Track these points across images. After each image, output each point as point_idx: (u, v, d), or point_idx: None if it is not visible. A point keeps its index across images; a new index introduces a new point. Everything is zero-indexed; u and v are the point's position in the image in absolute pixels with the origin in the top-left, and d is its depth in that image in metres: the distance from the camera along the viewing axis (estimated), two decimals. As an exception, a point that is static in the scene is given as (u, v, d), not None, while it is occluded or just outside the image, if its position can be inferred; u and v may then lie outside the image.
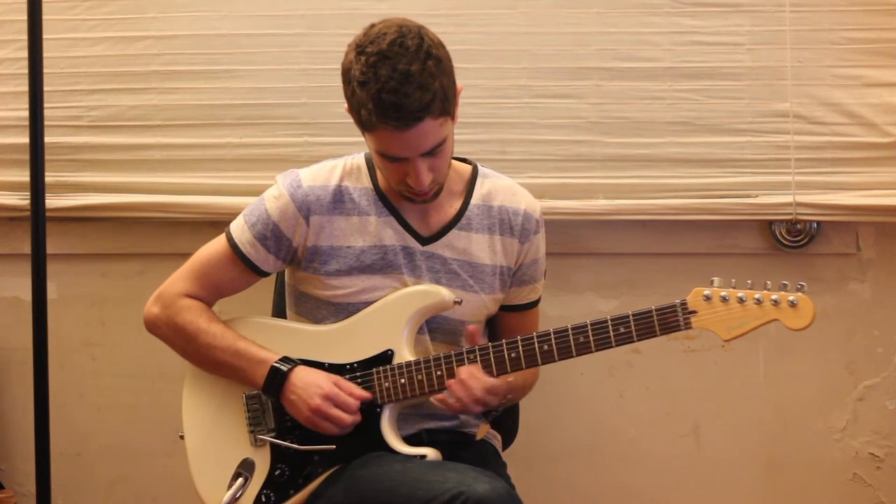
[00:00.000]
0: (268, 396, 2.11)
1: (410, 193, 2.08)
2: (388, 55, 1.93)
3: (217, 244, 2.19)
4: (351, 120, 2.08)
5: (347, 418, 2.05)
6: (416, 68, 1.93)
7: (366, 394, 2.07)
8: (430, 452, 2.03)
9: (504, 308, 2.25)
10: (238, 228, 2.17)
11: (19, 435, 2.85)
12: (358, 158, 2.20)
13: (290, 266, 2.21)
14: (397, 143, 1.98)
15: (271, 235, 2.14)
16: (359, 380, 2.09)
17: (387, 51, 1.93)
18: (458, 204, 2.19)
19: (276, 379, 2.07)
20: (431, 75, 1.94)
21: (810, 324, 1.93)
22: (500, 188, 2.23)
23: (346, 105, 2.06)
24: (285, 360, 2.09)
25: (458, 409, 2.05)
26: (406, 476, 1.94)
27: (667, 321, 1.98)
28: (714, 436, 2.79)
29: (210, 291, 2.19)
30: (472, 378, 2.03)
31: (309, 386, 2.06)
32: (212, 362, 2.14)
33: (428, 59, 1.94)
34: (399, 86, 1.92)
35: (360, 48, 1.97)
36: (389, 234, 2.14)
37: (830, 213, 2.64)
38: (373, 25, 2.00)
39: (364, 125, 2.00)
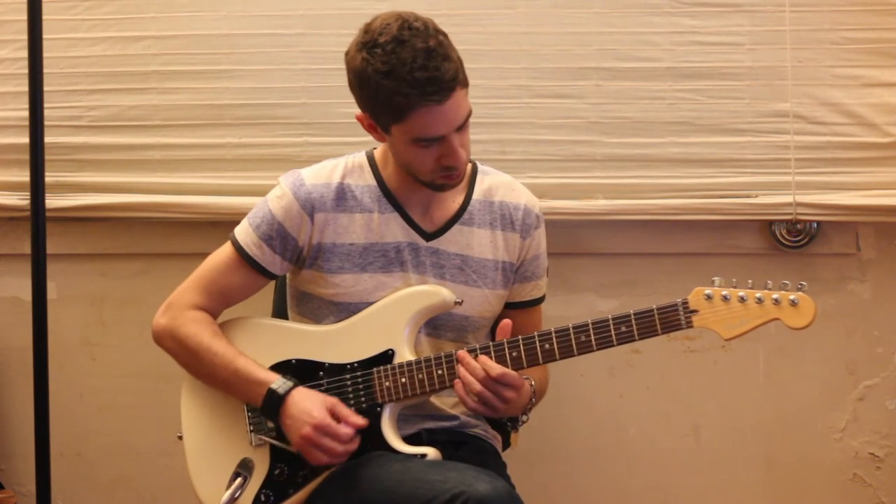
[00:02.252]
0: (266, 418, 2.10)
1: (444, 178, 2.08)
2: (402, 39, 1.95)
3: (223, 251, 2.19)
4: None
5: (339, 448, 2.01)
6: (434, 43, 1.96)
7: (362, 422, 2.04)
8: (431, 452, 2.03)
9: (507, 306, 2.25)
10: (243, 232, 2.16)
11: (19, 435, 2.85)
12: (359, 157, 2.20)
13: (294, 266, 2.20)
14: (436, 120, 1.98)
15: (277, 235, 2.14)
16: (359, 379, 2.09)
17: (399, 36, 1.95)
18: (460, 199, 2.20)
19: (274, 402, 2.05)
20: (448, 47, 1.98)
21: (811, 323, 1.93)
22: (500, 184, 2.24)
23: (359, 112, 2.06)
24: (284, 380, 2.06)
25: (471, 404, 2.01)
26: (406, 475, 1.94)
27: (668, 320, 1.98)
28: (714, 436, 2.79)
29: (218, 300, 2.18)
30: (474, 366, 2.01)
31: (301, 413, 2.02)
32: (212, 379, 2.14)
33: (438, 34, 1.98)
34: (427, 61, 1.94)
35: (368, 45, 1.97)
36: (393, 231, 2.15)
37: (830, 213, 2.64)
38: (369, 24, 2.01)
39: (397, 115, 1.98)
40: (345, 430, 2.02)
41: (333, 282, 2.14)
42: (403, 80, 1.94)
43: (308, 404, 2.04)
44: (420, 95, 1.94)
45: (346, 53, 2.04)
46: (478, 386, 1.99)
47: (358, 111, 2.09)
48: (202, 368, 2.13)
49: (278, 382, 2.06)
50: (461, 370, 2.02)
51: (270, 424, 2.11)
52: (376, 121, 2.05)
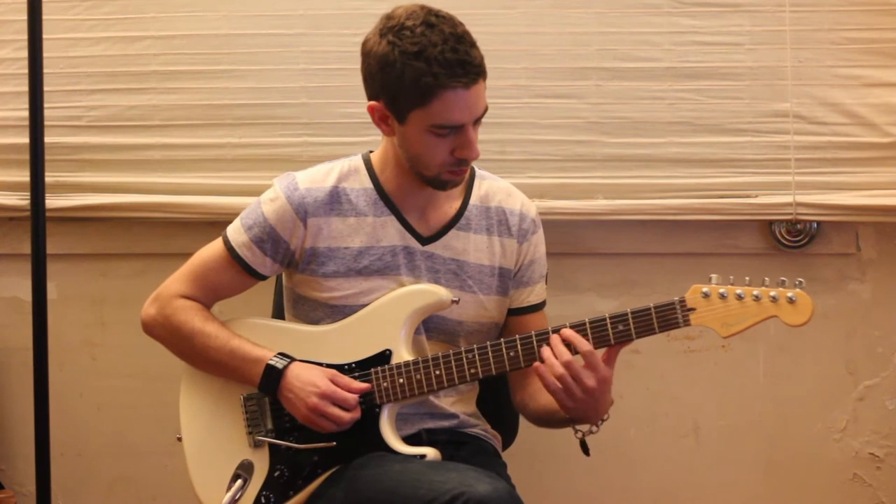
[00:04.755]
0: (264, 395, 2.11)
1: (451, 173, 2.06)
2: (431, 23, 1.96)
3: (214, 247, 2.19)
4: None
5: (346, 416, 2.04)
6: (461, 30, 1.98)
7: (364, 385, 2.06)
8: (430, 452, 2.03)
9: (507, 312, 2.24)
10: (235, 231, 2.16)
11: (19, 435, 2.85)
12: (355, 160, 2.19)
13: (287, 269, 2.20)
14: (460, 105, 1.97)
15: (268, 239, 2.13)
16: (357, 380, 2.09)
17: (427, 20, 1.96)
18: (457, 204, 2.19)
19: (272, 377, 2.07)
20: (472, 37, 1.99)
21: (809, 320, 1.92)
22: (497, 189, 2.23)
23: (374, 102, 2.03)
24: (281, 356, 2.09)
25: (552, 385, 1.95)
26: (406, 476, 1.94)
27: (666, 318, 1.97)
28: (714, 436, 2.79)
29: (207, 294, 2.19)
30: (560, 349, 1.95)
31: (306, 384, 2.05)
32: (207, 362, 2.14)
33: (462, 24, 1.99)
34: (457, 44, 1.95)
35: (394, 29, 1.97)
36: (389, 234, 2.14)
37: (830, 213, 2.64)
38: (390, 13, 2.01)
39: (422, 98, 1.96)
40: (350, 396, 2.04)
41: (328, 285, 2.14)
42: (434, 60, 1.93)
43: (310, 375, 2.05)
44: (449, 76, 1.94)
45: (365, 42, 2.03)
46: (560, 369, 1.94)
47: (368, 104, 2.06)
48: (196, 352, 2.14)
49: (276, 359, 2.07)
50: (545, 351, 1.97)
51: (269, 425, 2.12)
52: (393, 108, 2.02)
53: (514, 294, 2.22)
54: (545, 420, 2.18)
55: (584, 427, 2.09)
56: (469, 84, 1.96)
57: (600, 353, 1.99)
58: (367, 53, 2.03)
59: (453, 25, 1.97)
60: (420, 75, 1.95)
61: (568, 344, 1.98)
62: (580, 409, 2.00)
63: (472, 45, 1.98)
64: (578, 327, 1.99)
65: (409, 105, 1.99)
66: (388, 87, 2.01)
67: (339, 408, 2.04)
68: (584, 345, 1.96)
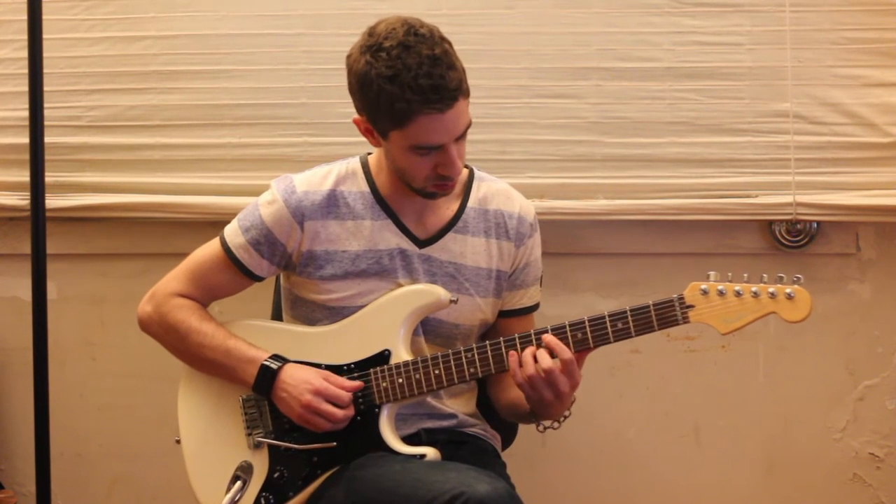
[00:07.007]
0: (258, 394, 2.11)
1: (437, 186, 2.07)
2: (408, 44, 1.94)
3: (211, 247, 2.19)
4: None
5: (339, 413, 2.04)
6: (439, 51, 1.95)
7: (357, 383, 2.06)
8: (430, 452, 2.03)
9: (498, 314, 2.24)
10: (232, 233, 2.16)
11: (19, 435, 2.85)
12: (353, 163, 2.19)
13: (284, 271, 2.20)
14: (437, 129, 1.97)
15: (265, 241, 2.13)
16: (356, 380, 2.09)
17: (405, 41, 1.94)
18: (455, 206, 2.19)
19: (267, 377, 2.07)
20: (452, 56, 1.97)
21: (807, 316, 1.92)
22: (496, 192, 2.22)
23: (358, 115, 2.05)
24: (275, 357, 2.09)
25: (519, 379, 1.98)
26: (406, 476, 1.94)
27: (664, 315, 1.97)
28: (714, 436, 2.79)
29: (203, 293, 2.19)
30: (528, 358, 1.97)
31: (300, 383, 2.05)
32: (203, 361, 2.14)
33: (443, 41, 1.97)
34: (432, 69, 1.93)
35: (372, 48, 1.96)
36: (386, 237, 2.14)
37: (830, 213, 2.64)
38: (373, 27, 2.00)
39: (398, 121, 1.97)
40: (344, 393, 2.05)
41: (326, 288, 2.14)
42: (407, 86, 1.92)
43: (304, 374, 2.07)
44: (423, 103, 1.93)
45: (349, 56, 2.03)
46: (530, 370, 1.96)
47: (354, 117, 2.07)
48: (192, 351, 2.14)
49: (270, 360, 2.08)
50: (513, 357, 1.99)
51: (269, 426, 2.12)
52: (374, 125, 2.03)
53: (506, 296, 2.22)
54: (512, 412, 2.21)
55: (547, 422, 2.13)
56: (444, 108, 1.95)
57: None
58: (349, 69, 2.03)
59: (431, 46, 1.94)
60: (394, 100, 1.94)
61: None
62: (545, 405, 2.02)
63: (450, 66, 1.95)
64: (577, 326, 1.99)
65: (388, 126, 2.00)
66: (367, 106, 2.01)
67: (332, 405, 2.04)
68: (565, 353, 1.97)
